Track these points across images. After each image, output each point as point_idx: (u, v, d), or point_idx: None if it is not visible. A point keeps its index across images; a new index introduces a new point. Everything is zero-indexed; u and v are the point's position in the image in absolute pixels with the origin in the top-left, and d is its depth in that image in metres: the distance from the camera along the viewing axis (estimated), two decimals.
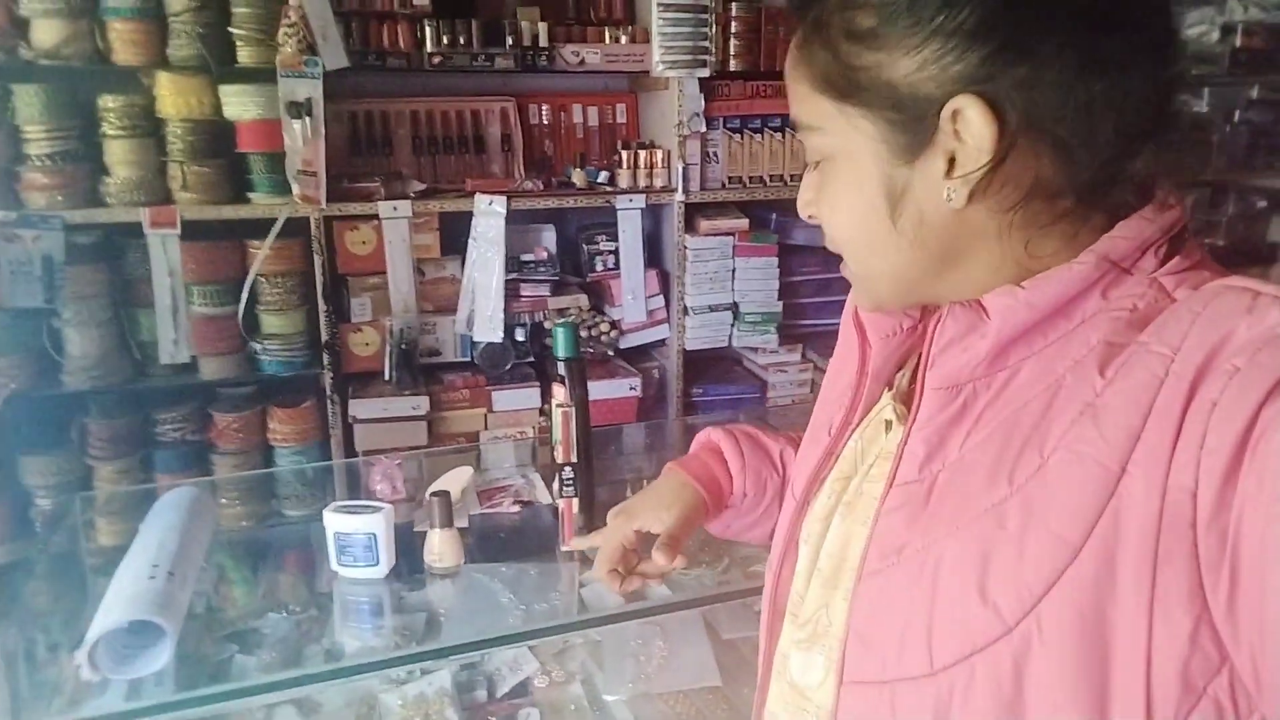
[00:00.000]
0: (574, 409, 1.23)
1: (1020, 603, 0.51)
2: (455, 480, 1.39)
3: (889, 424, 0.66)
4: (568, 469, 1.22)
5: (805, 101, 0.60)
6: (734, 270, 2.46)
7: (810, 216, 0.65)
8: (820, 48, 0.57)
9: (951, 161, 0.54)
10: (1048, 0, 0.51)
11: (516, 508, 1.43)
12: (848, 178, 0.59)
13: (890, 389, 0.69)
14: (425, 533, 1.29)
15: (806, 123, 0.60)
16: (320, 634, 1.26)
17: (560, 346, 1.25)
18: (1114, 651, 0.48)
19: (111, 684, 1.06)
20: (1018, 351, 0.56)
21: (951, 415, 0.58)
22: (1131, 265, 0.55)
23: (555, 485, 1.26)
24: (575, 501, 1.25)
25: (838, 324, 2.80)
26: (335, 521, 1.20)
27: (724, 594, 1.33)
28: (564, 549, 1.29)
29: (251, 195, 2.20)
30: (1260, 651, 0.44)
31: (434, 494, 1.21)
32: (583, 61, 2.34)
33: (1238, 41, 2.74)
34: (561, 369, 1.24)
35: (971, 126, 0.53)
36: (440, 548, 1.22)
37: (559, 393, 1.25)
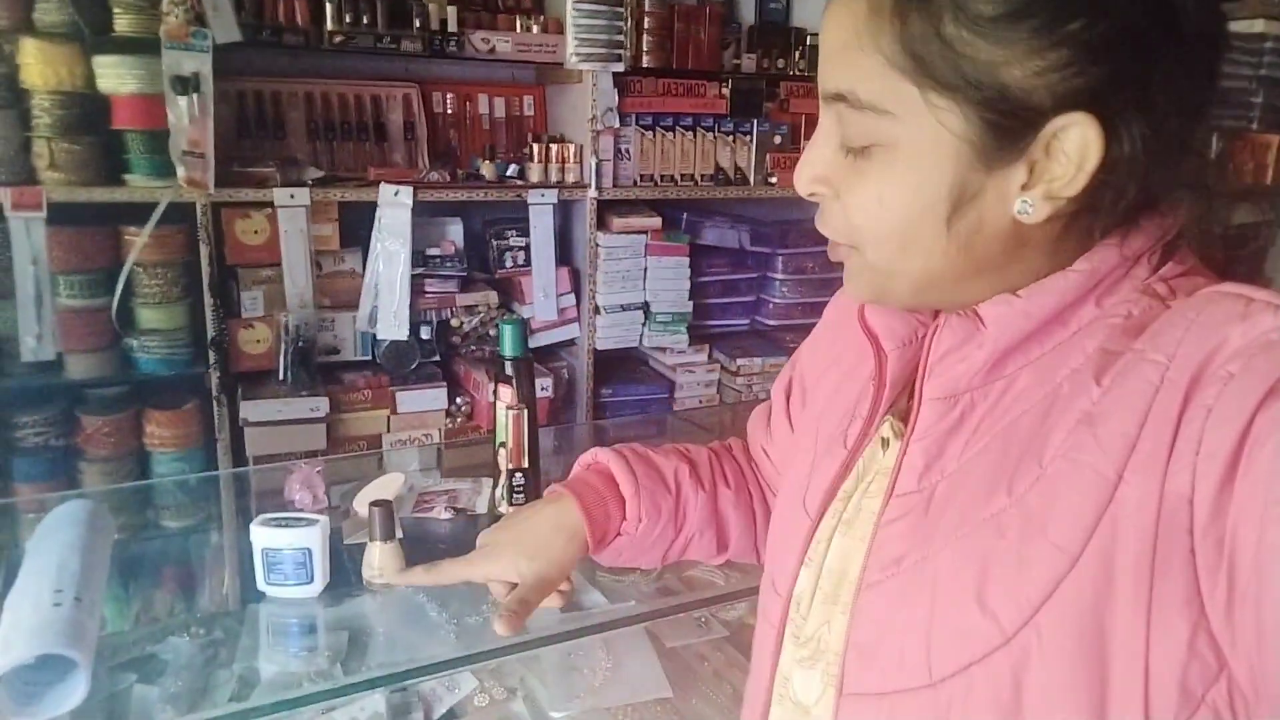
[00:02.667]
0: (524, 410, 1.16)
1: (1019, 612, 0.50)
2: (387, 487, 1.30)
3: (885, 441, 0.65)
4: (518, 475, 1.15)
5: (875, 78, 0.52)
6: (646, 269, 2.43)
7: (814, 196, 0.59)
8: (917, 21, 0.50)
9: (1030, 170, 0.51)
10: (1174, 24, 0.49)
11: (449, 514, 1.35)
12: (911, 171, 0.53)
13: (890, 409, 0.66)
14: (352, 546, 1.20)
15: (870, 102, 0.53)
16: (230, 658, 1.15)
17: (507, 345, 1.18)
18: (1112, 660, 0.48)
19: None
20: (1014, 360, 0.56)
21: (949, 425, 0.57)
22: (1125, 273, 0.55)
23: (500, 492, 1.19)
24: None
25: (743, 325, 2.79)
26: (264, 536, 1.09)
27: (669, 607, 1.29)
28: None
29: (128, 177, 2.02)
30: (1258, 657, 0.44)
31: (374, 504, 1.12)
32: (493, 49, 2.25)
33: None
34: (509, 368, 1.18)
35: (1073, 145, 0.50)
36: (381, 562, 1.13)
37: (506, 394, 1.18)
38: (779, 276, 2.57)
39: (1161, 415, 0.48)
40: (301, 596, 1.13)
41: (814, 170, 0.58)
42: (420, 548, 1.28)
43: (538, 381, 2.27)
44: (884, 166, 0.54)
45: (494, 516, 1.25)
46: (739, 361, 2.51)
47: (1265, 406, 0.44)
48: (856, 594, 0.60)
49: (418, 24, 2.19)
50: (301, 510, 1.30)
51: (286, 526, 1.10)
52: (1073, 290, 0.54)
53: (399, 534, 1.22)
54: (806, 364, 0.83)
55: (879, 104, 0.53)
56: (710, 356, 2.58)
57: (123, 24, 1.94)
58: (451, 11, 2.21)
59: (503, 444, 1.17)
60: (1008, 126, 0.50)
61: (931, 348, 0.58)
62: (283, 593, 1.12)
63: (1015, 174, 0.52)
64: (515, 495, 1.16)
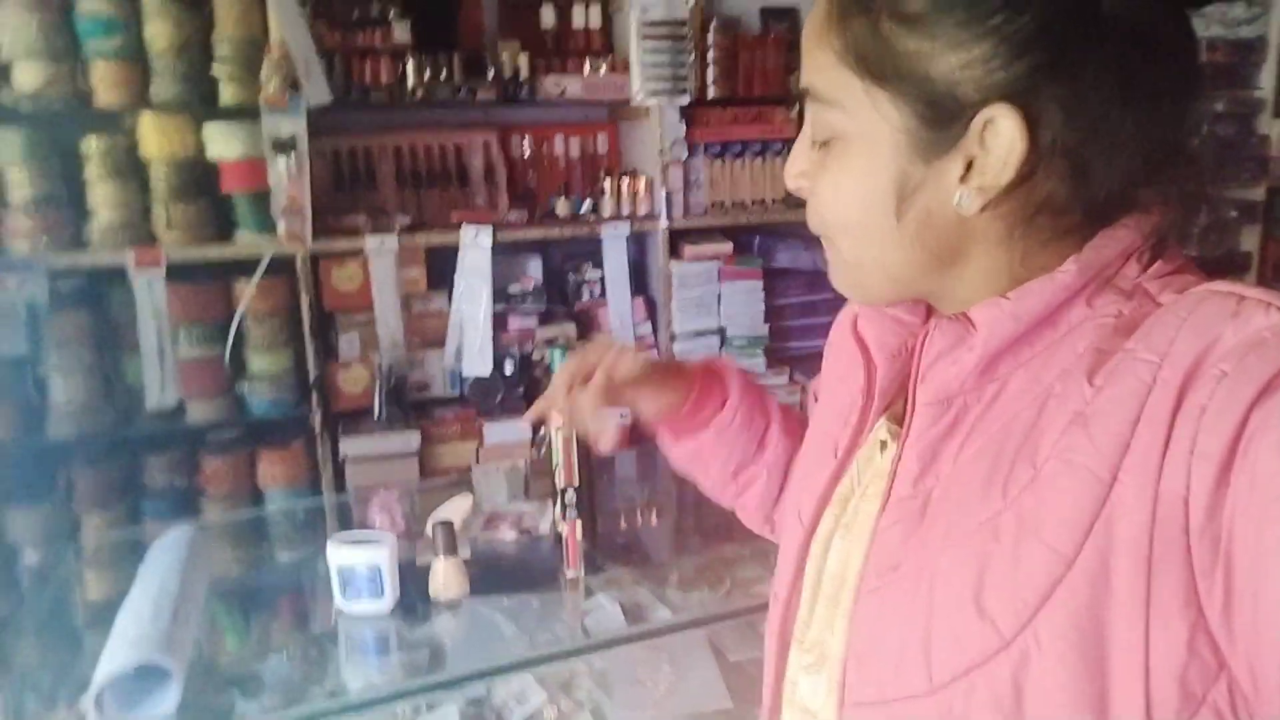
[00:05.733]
0: (574, 432, 1.22)
1: (1017, 616, 0.50)
2: (456, 510, 1.38)
3: (884, 444, 0.65)
4: (570, 492, 1.21)
5: (827, 72, 0.56)
6: (720, 295, 2.48)
7: (799, 189, 0.62)
8: (858, 18, 0.54)
9: (969, 166, 0.53)
10: (1098, 20, 0.50)
11: (513, 534, 1.42)
12: (859, 162, 0.56)
13: (888, 409, 0.67)
14: (427, 566, 1.28)
15: (824, 95, 0.57)
16: (323, 674, 1.24)
17: None
18: (1112, 661, 0.48)
19: None
20: (1006, 363, 0.56)
21: (943, 429, 0.58)
22: (1115, 272, 0.55)
23: (557, 509, 1.25)
24: (579, 525, 1.24)
25: (824, 345, 2.77)
26: (338, 554, 1.18)
27: (726, 613, 1.32)
28: (569, 574, 1.28)
29: (236, 234, 2.19)
30: (1256, 656, 0.44)
31: (438, 524, 1.20)
32: (564, 92, 2.36)
33: (1202, 57, 2.80)
34: None
35: (1001, 138, 0.51)
36: (445, 577, 1.21)
37: (558, 417, 1.24)
38: None
39: (1155, 415, 0.48)
40: (374, 611, 1.21)
41: (796, 166, 0.62)
42: (487, 565, 1.35)
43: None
44: (838, 158, 0.57)
45: (555, 535, 1.31)
46: None
47: (1259, 405, 0.44)
48: (855, 600, 0.61)
49: (492, 73, 2.31)
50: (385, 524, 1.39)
51: (358, 545, 1.19)
52: (1062, 291, 0.54)
53: (465, 553, 1.30)
54: (821, 375, 0.85)
55: (831, 96, 0.56)
56: (791, 378, 2.60)
57: (227, 95, 2.13)
58: (524, 59, 2.33)
59: (557, 465, 1.24)
60: (937, 118, 0.53)
61: (923, 352, 0.59)
62: (357, 608, 1.21)
63: (952, 166, 0.54)
64: (568, 510, 1.22)
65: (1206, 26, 2.83)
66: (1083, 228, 0.55)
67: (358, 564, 1.18)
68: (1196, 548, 0.45)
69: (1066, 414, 0.52)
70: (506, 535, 1.42)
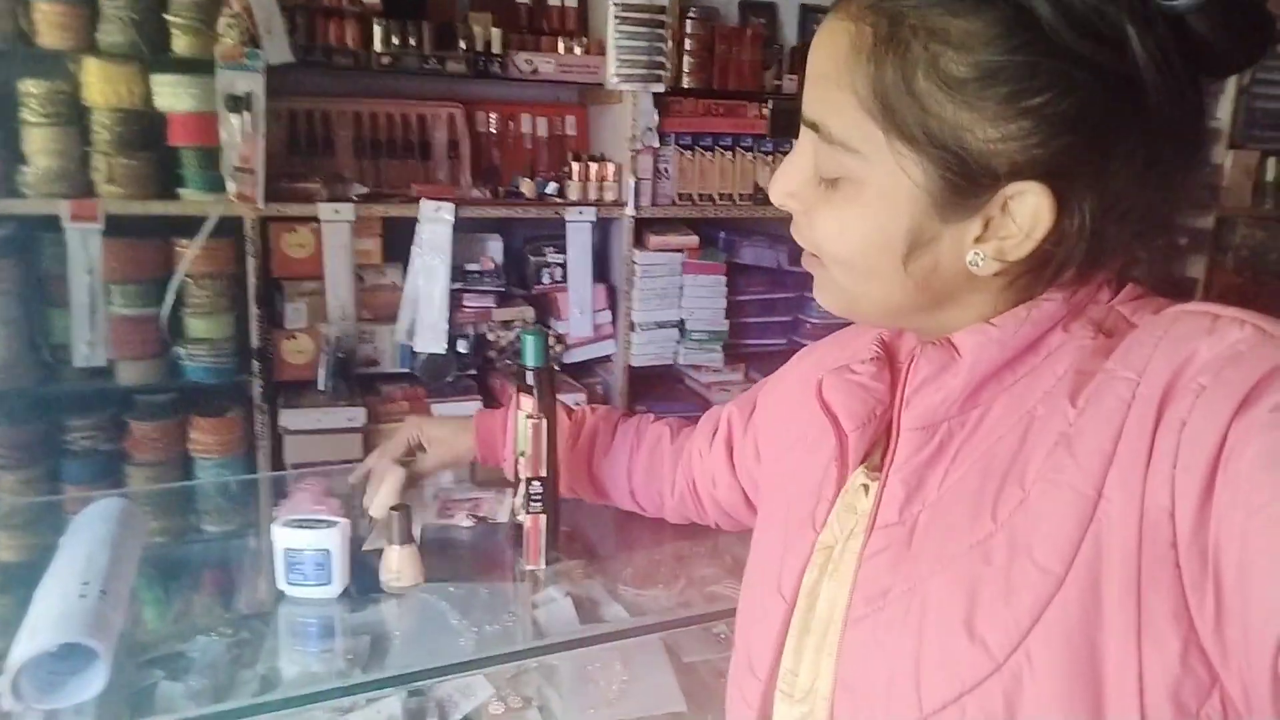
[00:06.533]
0: (544, 420, 1.17)
1: (1009, 637, 0.50)
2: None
3: (866, 487, 0.65)
4: (536, 484, 1.16)
5: (846, 116, 0.54)
6: (682, 287, 2.45)
7: (784, 206, 0.61)
8: (890, 69, 0.52)
9: (986, 224, 0.54)
10: (1138, 106, 0.50)
11: (469, 522, 1.37)
12: (871, 209, 0.55)
13: (863, 462, 0.67)
14: (371, 551, 1.22)
15: (841, 140, 0.55)
16: (255, 659, 1.17)
17: (529, 355, 1.19)
18: (1106, 679, 0.48)
19: (28, 716, 0.96)
20: (989, 388, 0.57)
21: (928, 455, 0.58)
22: (1089, 299, 0.57)
23: (519, 500, 1.20)
24: (543, 519, 1.19)
25: (781, 344, 2.76)
26: (285, 536, 1.12)
27: (684, 619, 1.29)
28: (526, 568, 1.23)
29: (181, 191, 2.09)
30: (1248, 668, 0.44)
31: (394, 508, 1.14)
32: (535, 70, 2.30)
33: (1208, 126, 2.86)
34: (530, 378, 1.19)
35: (1026, 210, 0.52)
36: (399, 565, 1.15)
37: (527, 403, 1.19)
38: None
39: (1135, 430, 0.48)
40: (320, 597, 1.15)
41: (788, 186, 0.60)
42: (441, 553, 1.30)
43: (573, 397, 2.30)
44: (848, 200, 0.56)
45: (514, 525, 1.26)
46: None
47: (1239, 416, 0.45)
48: (843, 630, 0.60)
49: (463, 46, 2.24)
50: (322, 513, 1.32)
51: (307, 528, 1.12)
52: (1047, 319, 0.56)
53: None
54: (769, 414, 0.86)
55: (848, 142, 0.55)
56: (746, 375, 2.58)
57: (180, 45, 2.02)
58: (496, 34, 2.27)
59: (522, 453, 1.19)
60: (965, 186, 0.53)
61: (908, 379, 0.60)
62: (302, 593, 1.15)
63: (970, 227, 0.54)
64: (533, 503, 1.17)
65: None
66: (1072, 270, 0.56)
67: (306, 547, 1.12)
68: (1185, 562, 0.46)
69: (1051, 435, 0.53)
70: (462, 522, 1.36)
